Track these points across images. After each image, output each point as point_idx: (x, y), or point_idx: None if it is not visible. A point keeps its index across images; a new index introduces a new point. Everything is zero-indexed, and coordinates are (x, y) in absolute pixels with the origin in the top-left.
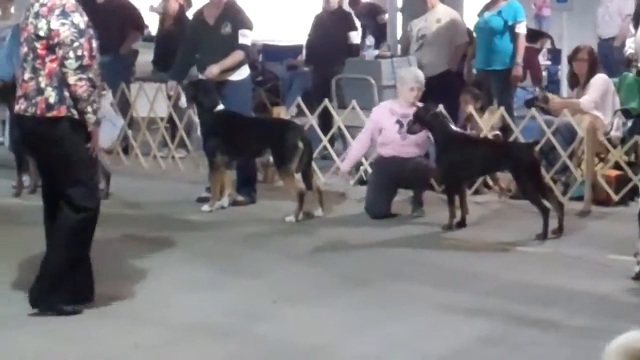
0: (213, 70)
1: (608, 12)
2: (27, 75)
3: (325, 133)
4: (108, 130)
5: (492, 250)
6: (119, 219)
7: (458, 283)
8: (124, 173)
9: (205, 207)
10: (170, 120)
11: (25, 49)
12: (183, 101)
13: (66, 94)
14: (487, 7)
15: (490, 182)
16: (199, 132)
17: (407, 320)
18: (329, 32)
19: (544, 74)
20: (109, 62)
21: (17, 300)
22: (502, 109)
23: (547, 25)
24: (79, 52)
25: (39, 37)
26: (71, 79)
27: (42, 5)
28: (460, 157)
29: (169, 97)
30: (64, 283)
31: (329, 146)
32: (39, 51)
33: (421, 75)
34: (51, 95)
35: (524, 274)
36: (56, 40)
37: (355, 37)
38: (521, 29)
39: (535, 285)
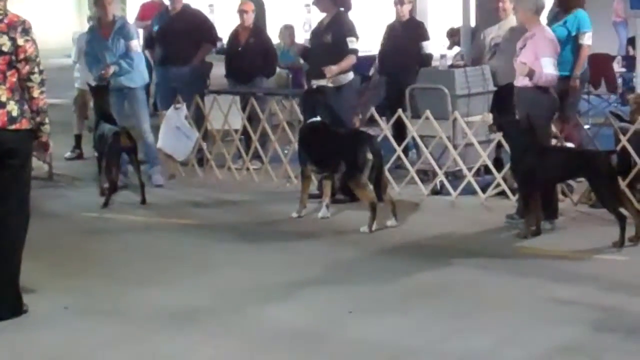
0: (333, 68)
1: None
2: None
3: (399, 143)
4: (183, 143)
5: (568, 259)
6: (194, 229)
7: (535, 292)
8: (199, 185)
9: (294, 214)
10: (245, 132)
11: None
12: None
13: (25, 107)
14: (555, 19)
15: (566, 191)
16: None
17: (487, 330)
18: (402, 42)
19: (619, 81)
20: (183, 75)
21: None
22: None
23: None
24: (41, 67)
25: (1, 53)
26: (35, 93)
27: None
28: (535, 165)
29: (243, 110)
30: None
31: (402, 156)
32: (0, 66)
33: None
34: (14, 108)
35: (601, 281)
36: (22, 56)
37: (428, 46)
38: (585, 40)
39: (613, 293)
